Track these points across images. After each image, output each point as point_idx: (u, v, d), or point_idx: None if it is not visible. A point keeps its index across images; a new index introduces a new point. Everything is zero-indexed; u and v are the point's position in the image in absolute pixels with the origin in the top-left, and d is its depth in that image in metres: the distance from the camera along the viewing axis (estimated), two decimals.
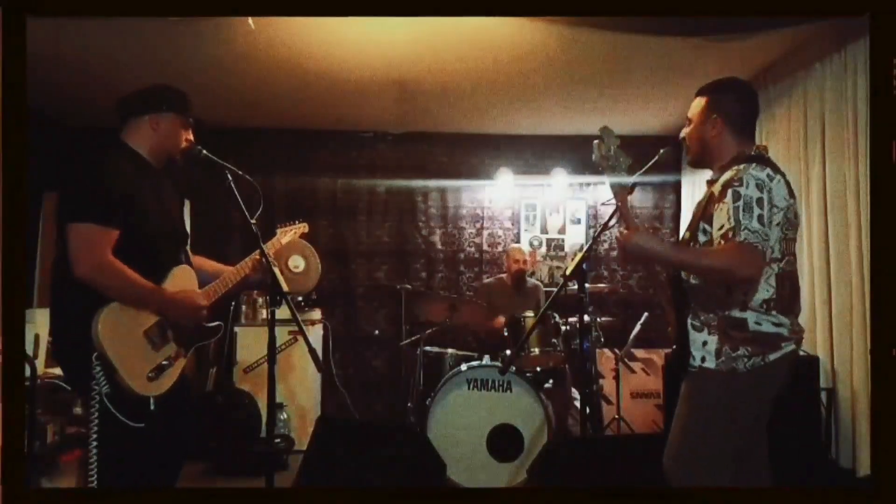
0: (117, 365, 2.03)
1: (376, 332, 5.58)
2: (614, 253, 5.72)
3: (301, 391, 4.82)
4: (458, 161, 5.70)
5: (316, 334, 5.16)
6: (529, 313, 4.10)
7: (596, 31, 3.35)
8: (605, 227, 2.83)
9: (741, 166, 2.05)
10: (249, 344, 4.79)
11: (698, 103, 2.24)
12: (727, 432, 2.04)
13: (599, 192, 5.70)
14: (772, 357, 2.01)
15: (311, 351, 2.38)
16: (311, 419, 4.53)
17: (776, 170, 2.08)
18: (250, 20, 3.26)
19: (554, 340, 3.94)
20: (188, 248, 2.47)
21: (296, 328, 2.38)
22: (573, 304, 3.07)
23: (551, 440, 3.56)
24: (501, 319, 4.50)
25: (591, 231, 5.69)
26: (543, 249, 5.75)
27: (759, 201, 1.97)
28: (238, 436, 4.41)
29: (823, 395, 3.44)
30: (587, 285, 3.28)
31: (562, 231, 5.77)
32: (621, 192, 2.20)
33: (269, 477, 2.45)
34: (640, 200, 5.73)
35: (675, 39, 3.57)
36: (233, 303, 5.01)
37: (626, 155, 2.17)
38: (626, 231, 2.12)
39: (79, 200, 2.08)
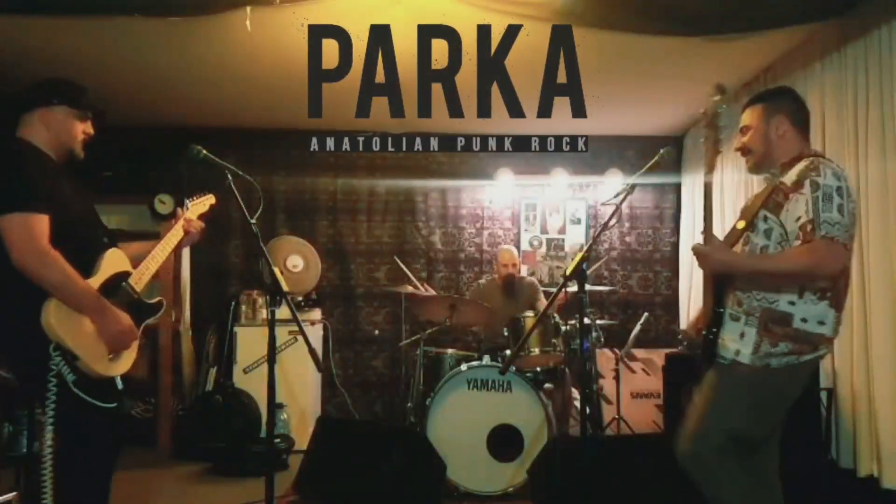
0: (78, 351, 2.02)
1: (376, 332, 5.58)
2: (614, 253, 5.72)
3: (301, 391, 4.82)
4: (458, 161, 5.70)
5: (316, 334, 5.16)
6: (529, 313, 4.10)
7: (597, 31, 3.35)
8: (605, 227, 2.83)
9: (816, 158, 2.08)
10: (249, 344, 4.80)
11: (752, 111, 2.26)
12: (749, 422, 2.07)
13: (599, 192, 5.71)
14: (805, 358, 2.03)
15: (312, 351, 2.38)
16: (311, 419, 4.53)
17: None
18: (247, 21, 3.26)
19: (554, 340, 3.93)
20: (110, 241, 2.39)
21: (296, 328, 2.38)
22: (573, 304, 3.07)
23: (551, 440, 3.55)
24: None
25: (591, 231, 5.69)
26: (543, 249, 5.74)
27: (839, 190, 1.97)
28: (238, 436, 4.41)
29: (823, 395, 3.44)
30: (587, 286, 3.28)
31: (562, 231, 5.75)
32: (714, 153, 2.23)
33: (269, 477, 2.45)
34: (640, 200, 5.73)
35: (676, 39, 3.57)
36: (233, 302, 5.02)
37: (728, 124, 2.19)
38: (702, 247, 2.13)
39: (3, 193, 2.04)
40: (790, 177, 2.07)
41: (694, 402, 2.20)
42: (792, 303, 2.03)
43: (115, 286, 2.21)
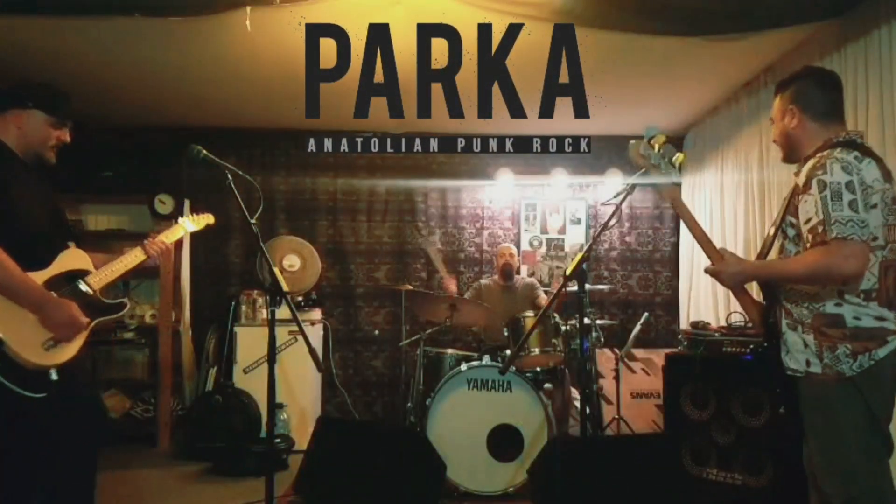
0: (5, 337, 2.02)
1: (376, 332, 5.59)
2: (614, 253, 5.73)
3: (301, 391, 4.82)
4: (458, 161, 5.70)
5: (316, 334, 5.16)
6: (529, 313, 4.10)
7: (596, 31, 3.35)
8: (605, 227, 2.82)
9: (825, 152, 1.95)
10: (249, 344, 4.80)
11: (776, 101, 2.17)
12: (864, 440, 1.91)
13: (599, 192, 5.72)
14: (880, 353, 1.88)
15: (312, 351, 2.38)
16: (311, 419, 4.53)
17: (867, 152, 1.96)
18: (247, 21, 3.26)
19: (554, 340, 3.94)
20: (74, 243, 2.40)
21: (296, 328, 2.38)
22: (573, 304, 3.08)
23: (551, 440, 3.56)
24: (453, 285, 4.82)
25: (591, 231, 5.69)
26: (543, 249, 5.75)
27: (849, 185, 1.84)
28: (238, 436, 4.41)
29: None
30: (587, 285, 3.28)
31: (562, 231, 5.76)
32: (669, 192, 2.15)
33: (269, 477, 2.45)
34: (640, 200, 5.73)
35: (676, 39, 3.56)
36: (233, 302, 5.02)
37: (672, 151, 2.11)
38: (714, 266, 2.08)
39: None
40: (801, 177, 1.98)
41: (809, 430, 2.02)
42: (838, 304, 1.92)
43: (68, 280, 2.23)
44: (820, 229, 1.86)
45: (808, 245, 1.92)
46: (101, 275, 2.34)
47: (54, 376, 2.13)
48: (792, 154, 2.15)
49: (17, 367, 2.04)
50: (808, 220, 1.90)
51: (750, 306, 2.15)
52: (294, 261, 5.01)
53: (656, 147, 2.14)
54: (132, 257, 2.46)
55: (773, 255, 2.16)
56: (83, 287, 2.27)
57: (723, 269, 2.07)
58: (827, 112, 2.09)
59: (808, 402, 2.00)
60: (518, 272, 5.06)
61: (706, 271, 2.14)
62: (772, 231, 2.14)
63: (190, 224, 2.79)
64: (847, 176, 1.86)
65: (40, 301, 2.12)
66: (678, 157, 2.14)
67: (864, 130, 3.17)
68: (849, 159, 1.90)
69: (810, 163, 1.97)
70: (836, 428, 1.93)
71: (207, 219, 2.88)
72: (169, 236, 2.59)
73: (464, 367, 3.81)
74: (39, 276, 2.16)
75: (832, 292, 1.93)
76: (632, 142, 2.16)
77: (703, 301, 5.05)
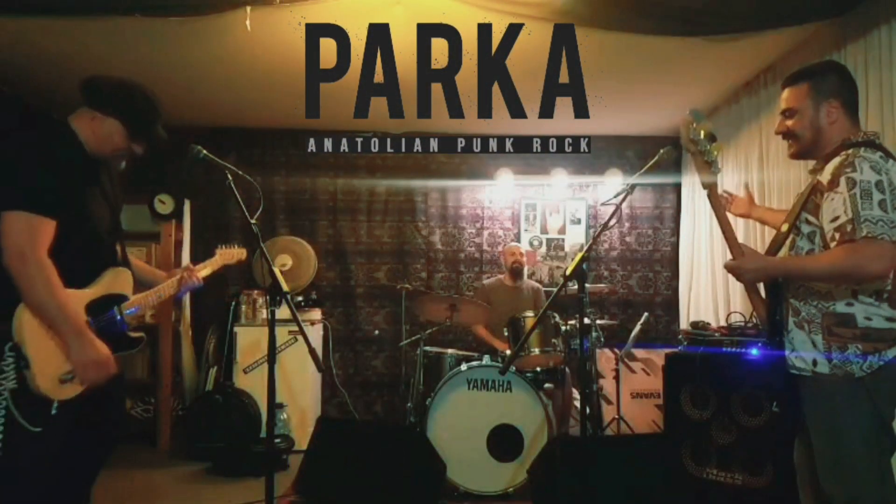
0: (32, 359, 1.92)
1: (376, 332, 5.59)
2: (614, 253, 5.73)
3: (301, 391, 4.82)
4: (458, 161, 5.70)
5: (316, 334, 5.16)
6: (529, 313, 4.10)
7: (596, 31, 3.35)
8: (605, 227, 2.81)
9: (850, 150, 1.91)
10: (249, 344, 4.81)
11: (797, 91, 2.07)
12: (868, 441, 1.90)
13: (599, 192, 5.72)
14: (890, 354, 1.87)
15: (312, 351, 2.38)
16: (311, 419, 4.53)
17: (889, 154, 1.94)
18: (247, 21, 3.26)
19: (554, 340, 3.94)
20: (124, 246, 2.31)
21: (296, 328, 2.38)
22: (573, 304, 3.07)
23: (551, 440, 3.56)
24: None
25: (591, 231, 5.69)
26: (543, 249, 5.75)
27: (879, 184, 1.81)
28: (238, 436, 4.41)
29: None
30: (587, 285, 3.28)
31: (562, 231, 5.77)
32: (710, 187, 2.09)
33: (269, 477, 2.45)
34: (640, 200, 5.73)
35: (676, 39, 3.57)
36: (233, 302, 5.02)
37: (715, 142, 2.07)
38: (734, 262, 2.03)
39: (21, 187, 1.96)
40: (825, 174, 1.94)
41: (815, 431, 2.00)
42: (850, 304, 1.91)
43: (106, 306, 2.15)
44: (848, 228, 1.82)
45: (834, 243, 1.88)
46: (135, 303, 2.24)
47: (54, 411, 1.98)
48: (812, 150, 2.08)
49: (28, 393, 1.93)
50: (836, 219, 1.86)
51: (759, 303, 2.12)
52: (286, 260, 5.03)
53: (702, 133, 2.10)
54: (167, 288, 2.40)
55: (783, 252, 2.13)
56: (118, 318, 2.17)
57: (742, 264, 2.03)
58: (855, 108, 2.07)
59: (813, 402, 1.98)
60: (523, 266, 5.03)
61: (725, 266, 2.10)
62: (784, 228, 2.11)
63: (225, 258, 2.79)
64: (877, 175, 1.84)
65: (76, 335, 1.99)
66: (717, 146, 2.11)
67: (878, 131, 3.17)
68: (876, 158, 1.87)
69: (836, 160, 1.93)
70: (840, 428, 1.92)
71: (240, 254, 2.88)
72: (204, 270, 2.58)
73: (464, 367, 3.81)
74: (83, 297, 2.06)
75: (845, 291, 1.91)
76: (682, 125, 2.11)
77: (703, 301, 5.06)
